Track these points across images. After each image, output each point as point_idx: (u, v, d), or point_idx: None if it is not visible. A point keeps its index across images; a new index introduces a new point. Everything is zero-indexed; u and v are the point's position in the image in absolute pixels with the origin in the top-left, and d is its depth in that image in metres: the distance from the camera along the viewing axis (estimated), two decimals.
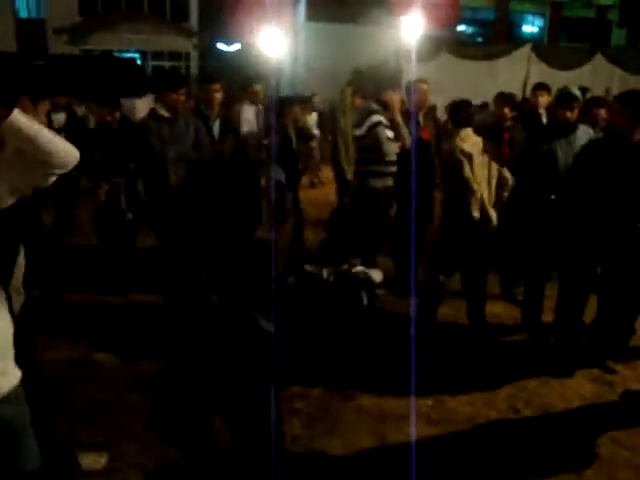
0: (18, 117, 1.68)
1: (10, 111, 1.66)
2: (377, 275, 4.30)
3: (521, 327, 4.33)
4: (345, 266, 4.31)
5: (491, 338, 4.27)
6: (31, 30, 21.70)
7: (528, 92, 8.19)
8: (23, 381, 1.86)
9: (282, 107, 5.34)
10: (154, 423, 2.90)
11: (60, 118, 6.32)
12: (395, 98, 4.76)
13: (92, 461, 2.73)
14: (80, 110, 7.32)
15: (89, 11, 22.65)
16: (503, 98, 4.96)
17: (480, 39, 24.46)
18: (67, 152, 1.82)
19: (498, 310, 4.74)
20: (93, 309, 4.49)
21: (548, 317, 4.15)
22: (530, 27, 25.65)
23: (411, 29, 7.49)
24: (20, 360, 2.59)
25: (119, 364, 3.68)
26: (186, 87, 4.54)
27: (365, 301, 4.10)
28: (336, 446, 2.99)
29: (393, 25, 11.38)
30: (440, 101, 7.68)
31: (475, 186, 3.95)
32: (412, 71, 8.60)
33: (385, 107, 4.72)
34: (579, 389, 3.62)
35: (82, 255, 5.49)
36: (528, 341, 4.20)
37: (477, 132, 4.04)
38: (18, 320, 2.63)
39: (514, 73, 11.35)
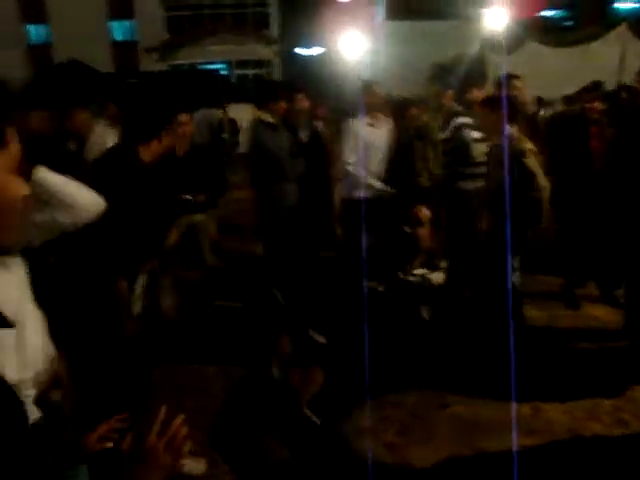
0: (44, 174, 1.87)
1: (33, 167, 1.84)
2: (438, 277, 4.09)
3: (623, 331, 4.07)
4: (401, 274, 4.07)
5: (591, 342, 4.05)
6: (125, 51, 23.18)
7: (627, 77, 7.67)
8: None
9: (402, 110, 5.15)
10: (215, 440, 2.99)
11: None
12: (479, 96, 4.62)
13: (192, 467, 2.85)
14: None
15: (176, 28, 23.79)
16: (590, 90, 4.71)
17: (570, 22, 23.09)
18: (91, 202, 2.02)
19: (598, 313, 4.50)
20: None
21: None
22: (626, 3, 23.88)
23: (495, 20, 7.21)
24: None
25: (228, 373, 3.69)
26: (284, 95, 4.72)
27: (425, 314, 3.91)
28: (430, 455, 2.95)
29: (475, 17, 11.03)
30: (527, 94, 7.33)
31: (544, 182, 3.69)
32: (497, 64, 8.29)
33: (469, 107, 4.60)
34: None
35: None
36: (632, 346, 3.94)
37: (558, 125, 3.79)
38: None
39: (609, 57, 10.65)
